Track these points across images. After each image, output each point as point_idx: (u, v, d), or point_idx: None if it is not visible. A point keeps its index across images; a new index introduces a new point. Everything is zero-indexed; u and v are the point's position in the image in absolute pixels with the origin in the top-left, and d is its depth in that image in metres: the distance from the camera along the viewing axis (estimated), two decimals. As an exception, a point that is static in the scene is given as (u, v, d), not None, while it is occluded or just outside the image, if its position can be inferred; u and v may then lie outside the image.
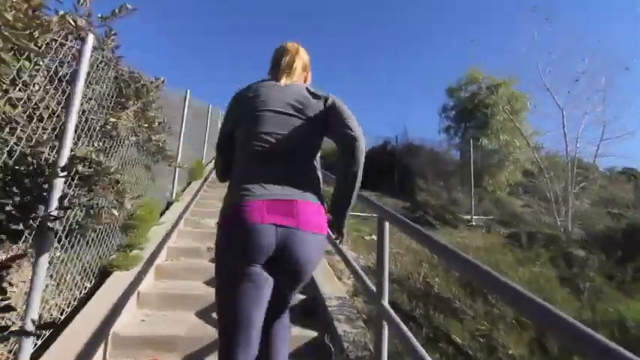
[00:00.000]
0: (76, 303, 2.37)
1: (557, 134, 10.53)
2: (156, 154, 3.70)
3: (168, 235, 3.70)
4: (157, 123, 3.54)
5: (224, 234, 1.29)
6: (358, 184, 1.36)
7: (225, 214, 1.31)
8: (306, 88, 1.45)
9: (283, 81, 1.46)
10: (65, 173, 1.90)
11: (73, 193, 2.26)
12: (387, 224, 2.13)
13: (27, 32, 1.50)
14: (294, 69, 1.51)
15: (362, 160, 1.33)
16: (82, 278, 2.46)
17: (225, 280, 1.29)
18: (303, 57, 1.57)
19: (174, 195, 5.50)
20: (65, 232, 2.19)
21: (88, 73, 2.45)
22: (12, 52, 1.67)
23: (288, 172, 1.32)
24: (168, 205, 5.17)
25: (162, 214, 4.73)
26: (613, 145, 9.99)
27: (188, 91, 5.96)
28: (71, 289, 2.38)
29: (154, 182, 4.33)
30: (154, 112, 3.57)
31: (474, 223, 7.74)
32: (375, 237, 5.67)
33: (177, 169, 5.68)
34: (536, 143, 11.45)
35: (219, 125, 1.88)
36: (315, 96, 1.41)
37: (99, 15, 2.35)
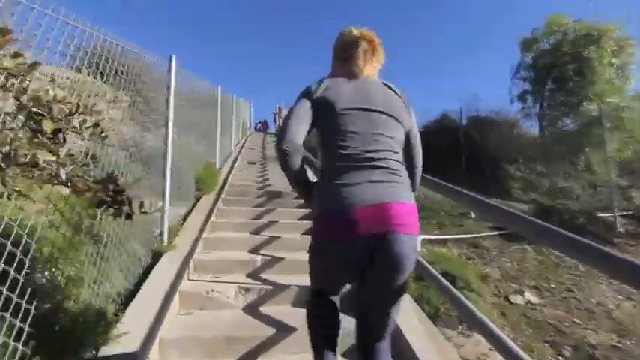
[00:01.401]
0: None
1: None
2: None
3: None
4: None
5: (322, 241, 1.30)
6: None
7: (322, 220, 1.28)
8: (387, 84, 1.42)
9: (362, 74, 1.40)
10: None
11: None
12: None
13: None
14: (371, 60, 1.42)
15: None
16: None
17: (316, 272, 1.43)
18: (378, 44, 1.44)
19: (165, 236, 3.23)
20: None
21: None
22: None
23: (384, 172, 1.24)
24: (156, 256, 2.93)
25: (137, 285, 2.49)
26: None
27: (173, 57, 3.61)
28: None
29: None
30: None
31: (621, 229, 5.15)
32: (532, 298, 3.27)
33: (169, 183, 3.42)
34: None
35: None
36: (398, 95, 1.41)
37: None
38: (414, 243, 1.25)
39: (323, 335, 1.46)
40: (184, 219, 4.04)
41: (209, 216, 4.16)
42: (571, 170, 7.88)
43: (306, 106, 1.32)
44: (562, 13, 9.61)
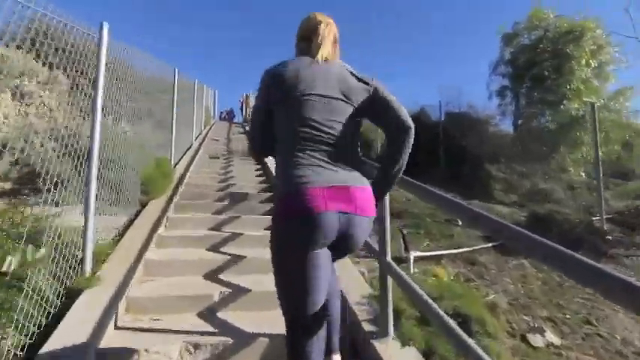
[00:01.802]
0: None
1: None
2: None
3: None
4: None
5: (287, 223, 1.22)
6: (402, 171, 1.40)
7: (285, 202, 1.22)
8: (348, 69, 1.38)
9: (321, 58, 1.34)
10: None
11: None
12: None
13: None
14: (328, 44, 1.38)
15: (410, 148, 1.37)
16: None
17: (288, 268, 1.26)
18: (334, 29, 1.44)
19: (88, 263, 2.41)
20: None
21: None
22: None
23: (339, 158, 1.27)
24: (73, 295, 2.13)
25: (37, 347, 1.72)
26: None
27: (105, 25, 2.74)
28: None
29: None
30: None
31: (609, 237, 4.88)
32: (554, 338, 2.74)
33: (94, 189, 2.61)
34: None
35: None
36: (358, 79, 1.36)
37: None
38: (371, 225, 1.31)
39: None
40: (123, 232, 3.22)
41: (156, 227, 3.36)
42: (549, 170, 7.70)
43: (266, 103, 1.35)
44: (544, 8, 9.44)
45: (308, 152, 1.24)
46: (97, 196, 2.83)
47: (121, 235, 3.15)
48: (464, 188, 6.90)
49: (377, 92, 1.35)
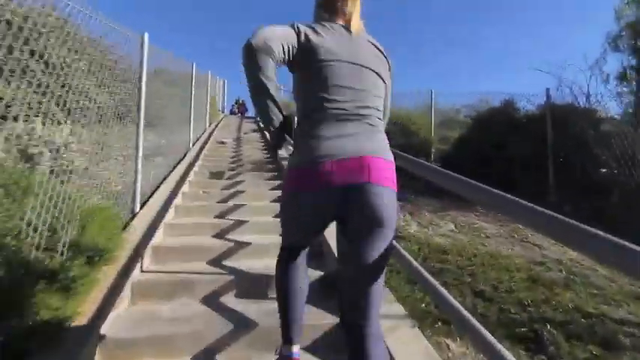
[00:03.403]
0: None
1: None
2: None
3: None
4: None
5: (290, 197, 1.21)
6: None
7: (290, 175, 1.20)
8: (375, 44, 1.30)
9: (352, 27, 1.26)
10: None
11: None
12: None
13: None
14: (357, 13, 1.30)
15: None
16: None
17: (287, 220, 1.30)
18: None
19: None
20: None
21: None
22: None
23: (368, 130, 1.17)
24: None
25: None
26: None
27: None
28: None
29: None
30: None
31: None
32: None
33: None
34: None
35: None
36: (382, 53, 1.31)
37: None
38: (393, 197, 1.15)
39: (291, 290, 1.36)
40: None
41: None
42: None
43: (292, 33, 1.15)
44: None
45: (333, 122, 1.13)
46: None
47: None
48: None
49: (389, 83, 1.33)
